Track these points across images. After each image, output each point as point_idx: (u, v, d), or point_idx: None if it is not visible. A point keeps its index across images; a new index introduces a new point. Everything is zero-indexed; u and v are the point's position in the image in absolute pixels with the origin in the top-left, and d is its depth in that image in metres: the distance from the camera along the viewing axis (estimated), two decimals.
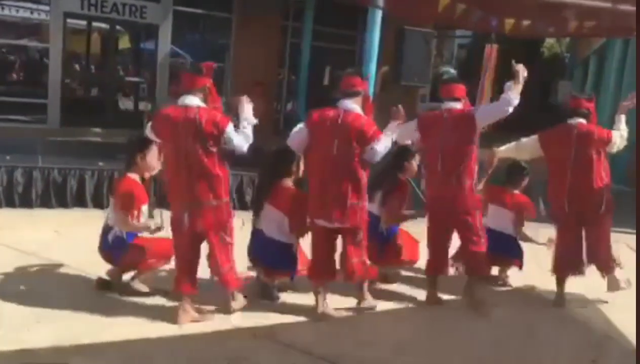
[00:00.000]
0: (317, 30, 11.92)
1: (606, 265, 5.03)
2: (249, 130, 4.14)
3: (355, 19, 11.85)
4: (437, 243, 4.81)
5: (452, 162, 4.56)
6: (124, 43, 15.20)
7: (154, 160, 4.38)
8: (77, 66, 15.10)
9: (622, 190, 11.80)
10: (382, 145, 4.23)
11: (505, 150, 5.28)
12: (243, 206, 7.21)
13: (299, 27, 12.14)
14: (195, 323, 4.05)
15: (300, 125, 4.42)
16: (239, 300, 4.27)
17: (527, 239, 5.34)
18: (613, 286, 5.02)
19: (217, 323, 4.10)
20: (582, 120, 4.92)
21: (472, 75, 5.97)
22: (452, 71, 23.81)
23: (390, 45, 9.09)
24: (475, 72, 8.98)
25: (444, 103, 4.73)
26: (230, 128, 3.99)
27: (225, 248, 4.13)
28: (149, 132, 4.21)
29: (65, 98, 10.95)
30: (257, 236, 4.61)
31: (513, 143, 5.25)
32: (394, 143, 4.60)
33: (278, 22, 12.23)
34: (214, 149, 3.95)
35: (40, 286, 4.43)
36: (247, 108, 4.21)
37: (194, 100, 3.97)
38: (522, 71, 4.57)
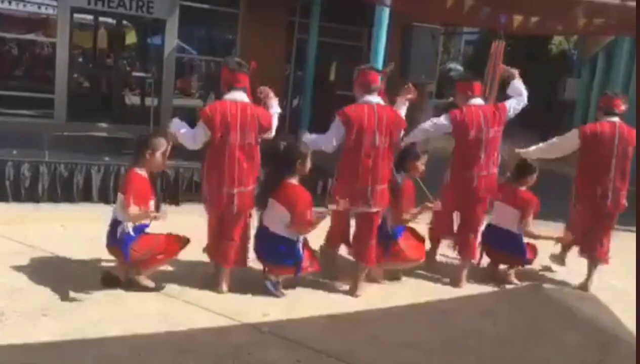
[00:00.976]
0: (324, 26, 11.88)
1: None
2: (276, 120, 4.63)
3: (362, 15, 11.79)
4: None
5: (493, 152, 5.06)
6: (131, 38, 15.18)
7: (162, 158, 4.39)
8: (83, 61, 15.11)
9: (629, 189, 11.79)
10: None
11: (534, 151, 5.35)
12: None
13: (305, 23, 12.11)
14: (201, 318, 4.06)
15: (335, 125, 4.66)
16: None
17: (534, 236, 5.31)
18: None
19: (223, 318, 4.10)
20: (619, 120, 5.22)
21: (479, 71, 5.95)
22: (459, 68, 23.79)
23: (398, 42, 9.07)
24: (483, 68, 8.96)
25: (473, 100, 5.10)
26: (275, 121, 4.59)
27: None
28: (202, 126, 4.38)
29: (72, 93, 10.96)
30: (262, 232, 4.62)
31: (543, 144, 5.44)
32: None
33: (285, 18, 12.21)
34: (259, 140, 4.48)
35: (46, 280, 4.44)
36: (274, 99, 4.70)
37: (245, 97, 4.47)
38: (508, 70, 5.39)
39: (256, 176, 4.53)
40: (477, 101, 5.10)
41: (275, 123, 4.59)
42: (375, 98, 4.67)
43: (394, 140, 4.67)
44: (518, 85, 5.28)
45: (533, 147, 5.44)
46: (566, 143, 5.39)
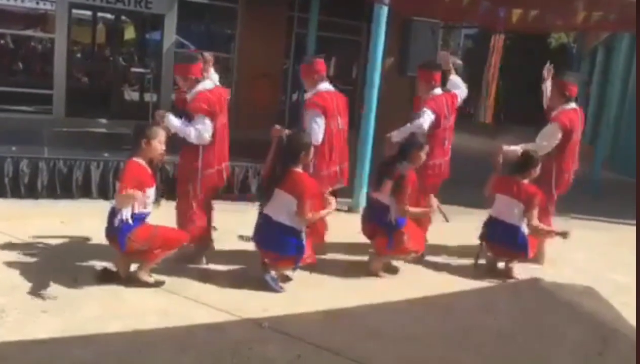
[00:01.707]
0: (323, 21, 11.86)
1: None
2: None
3: (361, 9, 11.78)
4: None
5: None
6: (129, 33, 15.16)
7: (159, 145, 4.38)
8: (82, 57, 15.08)
9: (632, 182, 11.79)
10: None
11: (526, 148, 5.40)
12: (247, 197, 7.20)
13: (304, 18, 12.09)
14: (200, 314, 4.06)
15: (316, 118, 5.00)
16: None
17: (537, 230, 5.29)
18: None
19: (223, 313, 4.10)
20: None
21: (478, 65, 5.95)
22: (459, 62, 23.71)
23: (397, 36, 9.05)
24: (482, 62, 8.93)
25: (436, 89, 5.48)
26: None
27: None
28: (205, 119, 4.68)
29: (71, 89, 10.94)
30: (264, 220, 4.60)
31: (531, 145, 5.43)
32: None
33: (284, 12, 12.19)
34: None
35: (46, 276, 4.44)
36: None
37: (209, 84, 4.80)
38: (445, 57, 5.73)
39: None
40: (438, 91, 5.48)
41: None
42: (329, 85, 5.14)
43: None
44: (456, 80, 5.73)
45: (522, 145, 5.41)
46: (553, 140, 5.41)
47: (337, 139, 5.17)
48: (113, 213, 4.35)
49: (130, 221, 4.26)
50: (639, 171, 5.53)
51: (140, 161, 4.35)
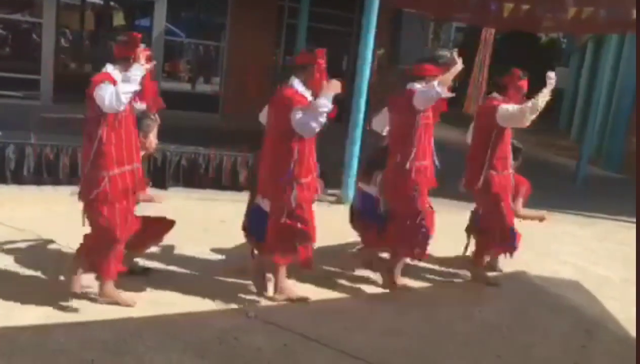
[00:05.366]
0: (314, 11, 11.81)
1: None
2: (128, 77, 3.75)
3: (352, 0, 11.75)
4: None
5: (398, 143, 4.66)
6: (119, 20, 15.01)
7: (151, 140, 4.36)
8: (70, 42, 14.92)
9: (617, 177, 11.92)
10: (304, 115, 4.06)
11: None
12: (236, 188, 7.19)
13: (295, 8, 12.03)
14: (187, 302, 4.05)
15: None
16: None
17: (524, 217, 5.33)
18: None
19: (210, 302, 4.10)
20: (497, 95, 4.98)
21: (469, 58, 5.91)
22: (449, 55, 23.75)
23: (388, 28, 9.04)
24: (473, 55, 8.94)
25: (409, 83, 4.73)
26: (98, 86, 3.65)
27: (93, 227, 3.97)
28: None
29: (58, 75, 10.83)
30: (254, 212, 4.58)
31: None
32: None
33: (275, 2, 12.12)
34: (89, 113, 3.73)
35: (32, 263, 4.41)
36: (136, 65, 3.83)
37: (109, 68, 3.84)
38: (454, 61, 4.73)
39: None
40: (413, 84, 4.70)
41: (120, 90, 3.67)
42: (291, 79, 4.24)
43: (282, 126, 4.09)
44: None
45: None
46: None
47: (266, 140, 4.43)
48: None
49: None
50: (639, 171, 5.52)
51: None
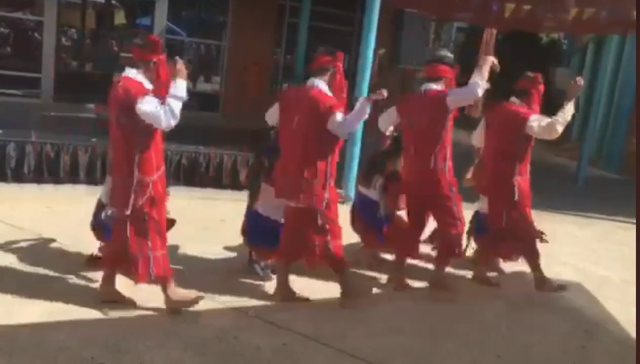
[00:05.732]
0: (316, 11, 11.80)
1: (525, 256, 5.04)
2: (176, 96, 3.72)
3: (353, 0, 11.74)
4: (415, 226, 4.86)
5: (426, 145, 4.57)
6: (120, 18, 15.00)
7: None
8: (71, 41, 14.91)
9: (616, 178, 11.92)
10: (345, 120, 4.06)
11: (472, 138, 5.31)
12: (236, 187, 7.20)
13: (297, 7, 12.03)
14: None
15: None
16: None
17: None
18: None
19: (210, 301, 4.10)
20: (517, 101, 4.89)
21: (470, 58, 5.92)
22: (450, 55, 23.75)
23: (389, 28, 9.03)
24: (474, 55, 8.94)
25: (424, 84, 4.68)
26: (143, 100, 3.63)
27: (138, 233, 3.86)
28: None
29: (59, 73, 10.82)
30: (252, 216, 4.59)
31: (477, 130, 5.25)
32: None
33: (276, 1, 12.11)
34: (126, 122, 3.70)
35: (32, 261, 4.41)
36: (180, 79, 3.78)
37: (130, 73, 3.80)
38: (486, 57, 4.67)
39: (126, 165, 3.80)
40: (429, 85, 4.65)
41: (169, 110, 3.65)
42: (315, 80, 4.17)
43: (313, 127, 4.06)
44: (475, 73, 4.51)
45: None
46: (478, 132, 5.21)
47: (290, 143, 4.35)
48: (100, 206, 4.33)
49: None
50: (639, 172, 5.50)
51: None
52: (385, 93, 4.14)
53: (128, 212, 3.75)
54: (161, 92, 3.75)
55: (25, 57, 13.14)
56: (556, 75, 17.45)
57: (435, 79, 4.65)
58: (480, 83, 4.37)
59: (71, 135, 7.06)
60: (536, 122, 4.69)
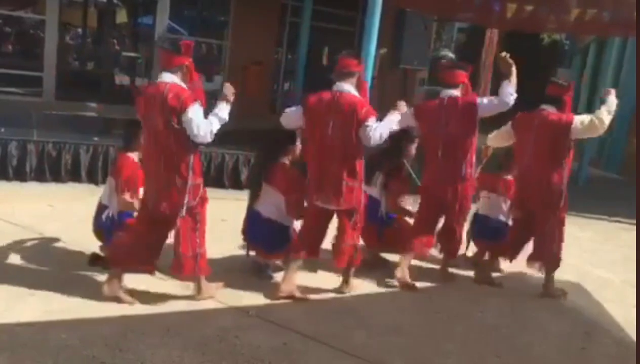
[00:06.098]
0: (317, 10, 11.81)
1: (547, 262, 4.97)
2: (219, 116, 3.86)
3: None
4: (428, 227, 4.89)
5: (454, 150, 4.66)
6: (122, 17, 15.02)
7: None
8: (73, 39, 14.95)
9: (616, 179, 11.92)
10: (377, 127, 4.15)
11: (490, 139, 5.29)
12: (237, 186, 7.20)
13: (298, 6, 12.04)
14: (188, 300, 4.07)
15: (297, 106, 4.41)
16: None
17: None
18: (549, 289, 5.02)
19: (210, 301, 4.11)
20: (551, 108, 4.80)
21: (471, 59, 5.92)
22: (451, 55, 23.74)
23: (390, 28, 9.03)
24: (475, 56, 8.94)
25: (444, 90, 4.74)
26: (193, 107, 3.72)
27: (191, 232, 4.00)
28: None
29: (61, 72, 10.84)
30: (253, 216, 4.60)
31: (495, 132, 5.25)
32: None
33: (277, 1, 12.12)
34: (179, 127, 3.74)
35: (34, 259, 4.43)
36: (225, 102, 3.93)
37: (169, 77, 3.83)
38: (509, 63, 4.73)
39: (180, 170, 3.86)
40: (451, 92, 4.74)
41: (213, 121, 3.81)
42: (343, 85, 4.22)
43: (353, 132, 4.14)
44: (504, 85, 4.68)
45: (489, 136, 5.33)
46: (504, 131, 5.14)
47: (325, 147, 4.39)
48: (101, 208, 4.34)
49: (116, 217, 4.26)
50: (639, 171, 5.49)
51: (135, 157, 4.33)
52: (404, 107, 4.38)
53: (183, 214, 3.89)
54: (196, 95, 3.86)
55: (27, 55, 13.18)
56: (557, 76, 17.46)
57: (455, 85, 4.74)
58: (513, 94, 4.55)
59: (73, 133, 7.07)
60: (579, 123, 4.67)
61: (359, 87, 4.31)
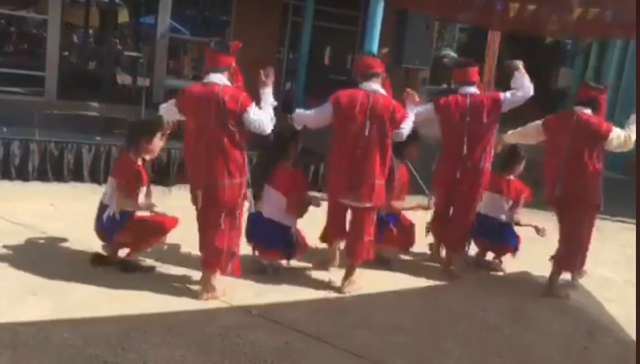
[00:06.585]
0: (319, 10, 11.82)
1: (567, 263, 5.01)
2: (268, 103, 4.09)
3: None
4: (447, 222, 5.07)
5: (477, 145, 4.79)
6: (123, 17, 15.06)
7: (158, 145, 4.38)
8: (75, 39, 14.96)
9: (620, 178, 11.90)
10: (408, 126, 4.41)
11: (511, 135, 5.30)
12: None
13: (300, 6, 12.05)
14: (190, 299, 4.08)
15: (324, 105, 4.47)
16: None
17: (523, 224, 5.34)
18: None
19: (213, 300, 4.11)
20: (587, 110, 4.79)
21: (473, 58, 5.90)
22: (453, 54, 23.75)
23: (392, 27, 9.03)
24: (477, 55, 8.93)
25: (462, 87, 4.89)
26: (252, 108, 3.96)
27: (231, 229, 4.12)
28: (168, 108, 4.17)
29: (63, 71, 10.86)
30: (255, 217, 4.61)
31: (519, 129, 5.26)
32: None
33: (279, 0, 12.12)
34: (234, 128, 3.93)
35: (36, 259, 4.43)
36: (267, 88, 4.14)
37: (219, 78, 3.97)
38: (515, 63, 4.89)
39: (230, 169, 3.99)
40: (471, 89, 4.88)
41: (269, 114, 4.03)
42: (372, 85, 4.34)
43: (389, 133, 4.31)
44: (519, 77, 4.85)
45: (510, 132, 5.33)
46: (533, 129, 5.14)
47: (358, 146, 4.51)
48: (102, 208, 4.35)
49: (117, 217, 4.27)
50: (639, 171, 5.48)
51: (137, 159, 4.34)
52: (415, 96, 4.53)
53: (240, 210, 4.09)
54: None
55: (29, 55, 13.20)
56: (559, 75, 17.45)
57: (472, 83, 4.91)
58: (530, 85, 4.76)
59: (75, 133, 7.08)
60: (615, 137, 4.71)
61: (384, 87, 4.43)
